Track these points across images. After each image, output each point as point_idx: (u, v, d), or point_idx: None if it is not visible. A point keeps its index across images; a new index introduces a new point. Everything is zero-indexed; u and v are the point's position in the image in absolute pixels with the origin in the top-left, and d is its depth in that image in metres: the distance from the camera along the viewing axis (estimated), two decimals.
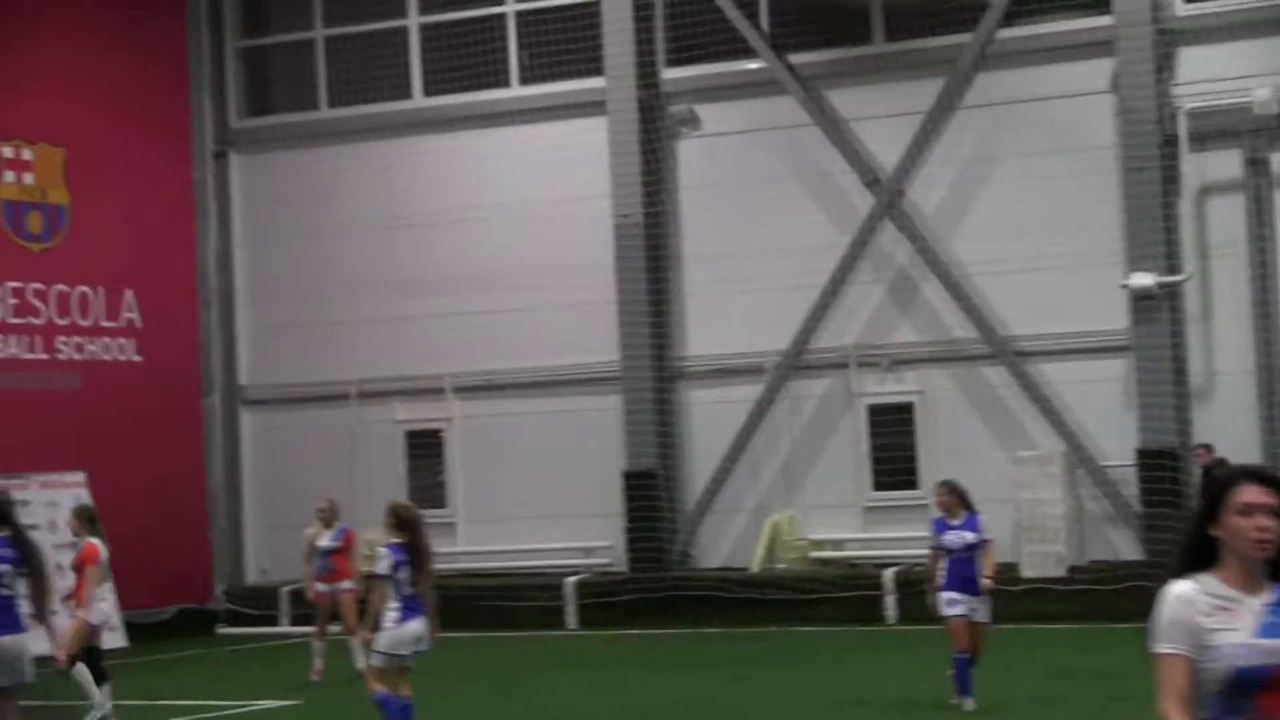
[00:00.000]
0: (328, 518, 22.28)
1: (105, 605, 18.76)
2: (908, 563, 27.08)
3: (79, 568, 18.58)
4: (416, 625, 15.03)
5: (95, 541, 18.61)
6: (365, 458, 31.38)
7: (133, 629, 27.96)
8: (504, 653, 24.74)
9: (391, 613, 14.91)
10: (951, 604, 17.20)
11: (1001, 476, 25.82)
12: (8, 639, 12.90)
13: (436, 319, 30.85)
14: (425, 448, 31.29)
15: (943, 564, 17.38)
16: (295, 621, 30.47)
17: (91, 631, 18.69)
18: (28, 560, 12.96)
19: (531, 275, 30.25)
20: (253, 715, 19.33)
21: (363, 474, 31.01)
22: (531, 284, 30.25)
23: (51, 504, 28.13)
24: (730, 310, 29.08)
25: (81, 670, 18.61)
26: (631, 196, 29.25)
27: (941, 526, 17.55)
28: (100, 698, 18.46)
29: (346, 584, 22.12)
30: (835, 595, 27.26)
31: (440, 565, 29.76)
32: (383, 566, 14.95)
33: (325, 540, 22.14)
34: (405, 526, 15.11)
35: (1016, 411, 27.68)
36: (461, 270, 30.76)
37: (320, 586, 22.05)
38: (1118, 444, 26.85)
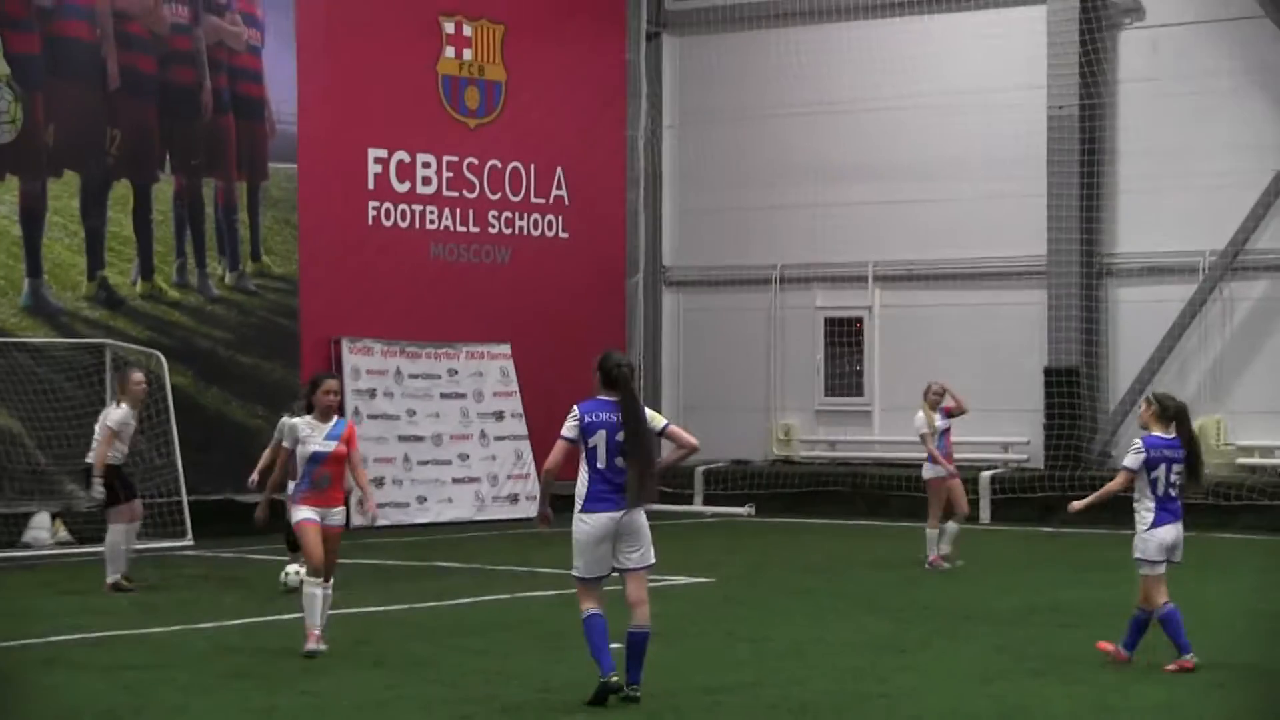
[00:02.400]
0: (936, 401, 21.81)
1: None
2: None
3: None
4: (1168, 531, 13.52)
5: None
6: (784, 342, 31.45)
7: None
8: (913, 544, 24.55)
9: (1145, 514, 13.54)
10: None
11: None
12: (623, 516, 12.27)
13: (861, 206, 30.66)
14: (844, 335, 31.19)
15: None
16: (707, 501, 30.80)
17: None
18: (626, 425, 12.27)
19: (960, 165, 29.83)
20: (672, 589, 19.55)
21: (780, 359, 31.10)
22: (959, 174, 29.85)
23: (478, 374, 28.91)
24: (1165, 207, 28.27)
25: None
26: (1068, 87, 28.57)
27: None
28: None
29: (952, 467, 21.71)
30: (1261, 503, 26.52)
31: (855, 454, 30.16)
32: (1133, 460, 13.50)
33: (939, 421, 21.75)
34: (1173, 418, 13.57)
35: None
36: (889, 158, 30.47)
37: (937, 471, 21.52)
38: None
